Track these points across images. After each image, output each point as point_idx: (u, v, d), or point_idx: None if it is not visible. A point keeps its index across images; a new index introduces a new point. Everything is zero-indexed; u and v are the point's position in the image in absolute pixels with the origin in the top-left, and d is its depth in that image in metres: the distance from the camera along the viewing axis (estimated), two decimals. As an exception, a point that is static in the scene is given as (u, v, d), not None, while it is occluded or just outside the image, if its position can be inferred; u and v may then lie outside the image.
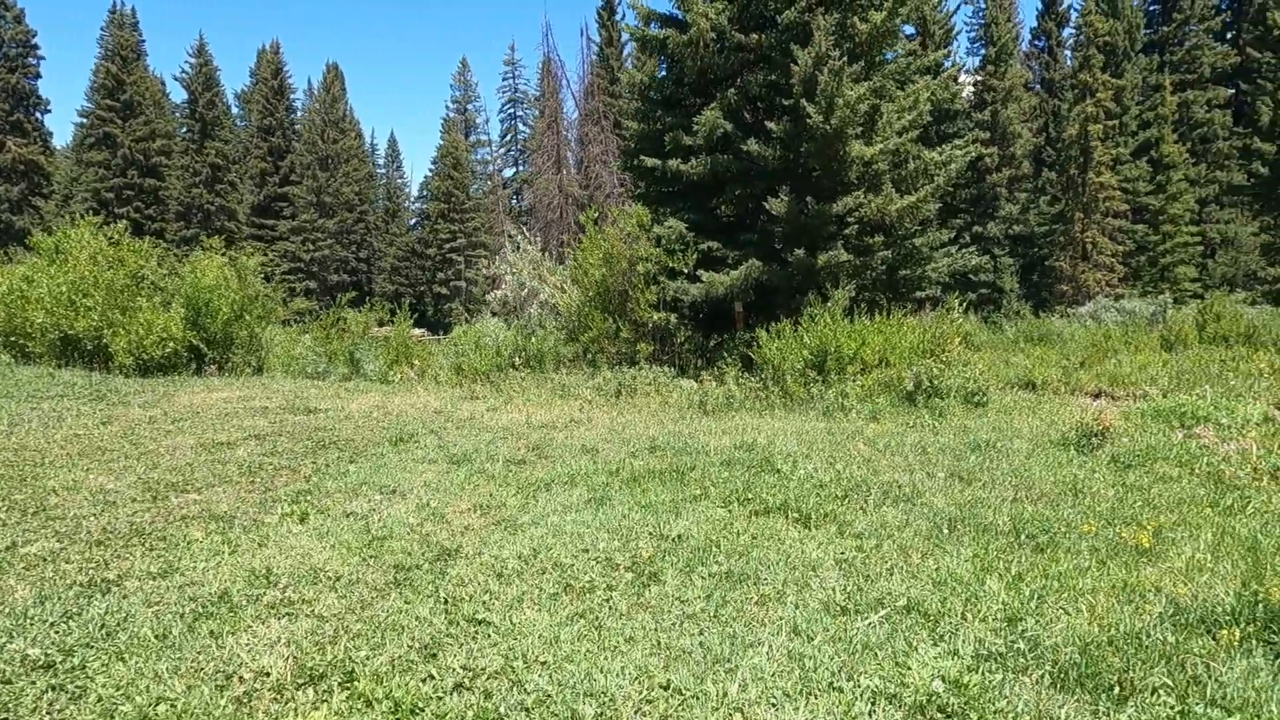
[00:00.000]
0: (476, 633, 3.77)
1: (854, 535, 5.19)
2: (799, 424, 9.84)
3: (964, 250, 15.07)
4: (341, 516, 5.70)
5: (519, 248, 18.23)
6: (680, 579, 4.43)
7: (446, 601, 4.12)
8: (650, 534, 5.15)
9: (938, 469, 7.16)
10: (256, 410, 11.08)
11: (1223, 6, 44.92)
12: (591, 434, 9.17)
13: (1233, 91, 42.54)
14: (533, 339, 16.72)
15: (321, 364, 18.01)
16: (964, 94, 39.34)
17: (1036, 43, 50.77)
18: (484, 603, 4.11)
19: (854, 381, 11.30)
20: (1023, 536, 5.14)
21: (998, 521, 5.42)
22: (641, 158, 15.30)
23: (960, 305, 12.54)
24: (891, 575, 4.50)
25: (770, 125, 13.82)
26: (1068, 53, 46.81)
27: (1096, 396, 18.58)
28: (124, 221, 19.99)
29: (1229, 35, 44.66)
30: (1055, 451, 7.93)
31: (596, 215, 15.73)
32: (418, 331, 32.10)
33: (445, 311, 72.97)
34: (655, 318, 14.32)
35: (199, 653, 3.59)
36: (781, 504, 5.76)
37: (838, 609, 4.04)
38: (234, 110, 73.52)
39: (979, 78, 41.02)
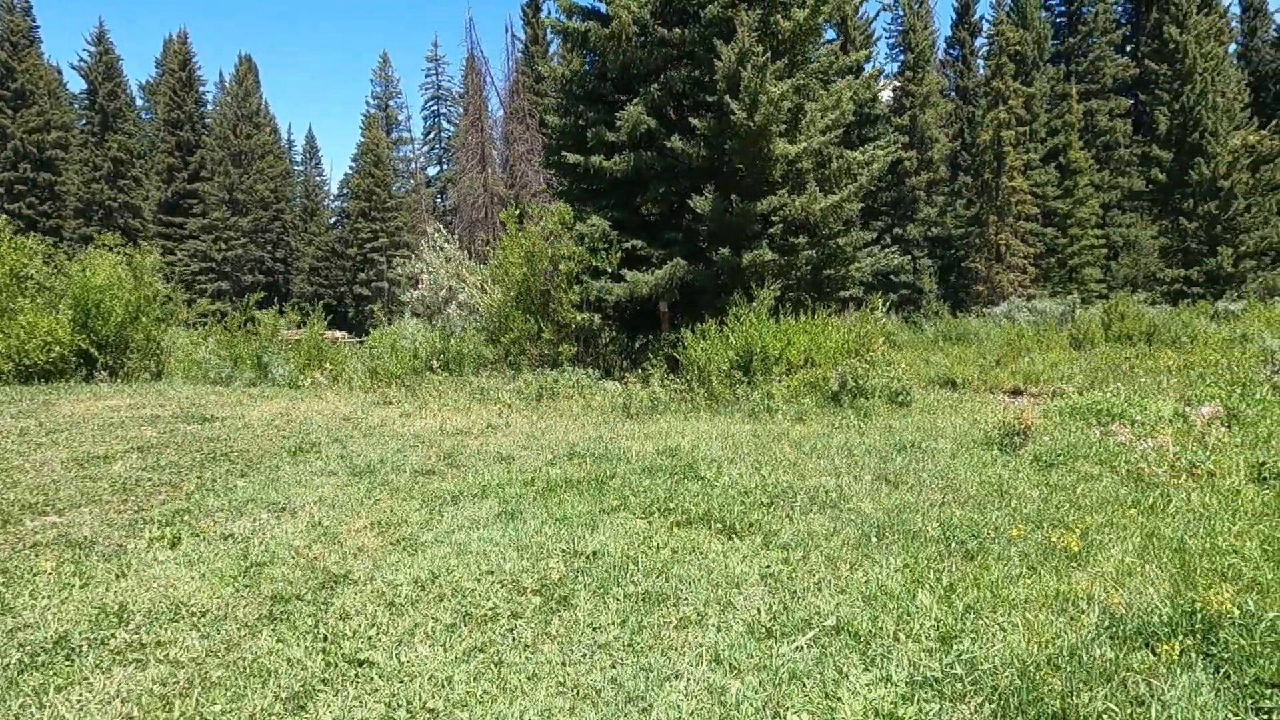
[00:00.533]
0: (357, 676, 3.30)
1: (780, 546, 4.90)
2: (724, 426, 9.58)
3: (886, 250, 15.16)
4: (219, 539, 5.11)
5: (436, 246, 17.53)
6: (593, 602, 4.04)
7: (326, 638, 3.63)
8: (563, 551, 4.74)
9: (864, 472, 6.97)
10: (146, 419, 10.19)
11: (1123, 20, 47.17)
12: (509, 440, 8.70)
13: (1132, 102, 44.70)
14: (452, 341, 16.08)
15: (226, 369, 16.94)
16: (884, 98, 40.18)
17: (951, 51, 52.38)
18: (369, 638, 3.63)
19: (780, 382, 11.14)
20: (952, 544, 4.94)
21: (927, 528, 5.22)
22: (564, 154, 14.86)
23: (884, 305, 12.54)
24: (820, 590, 4.21)
25: (694, 122, 13.59)
26: (980, 61, 48.40)
27: (1014, 394, 19.06)
28: (2, 217, 18.41)
29: (1128, 48, 46.94)
30: (979, 451, 7.87)
31: (518, 213, 15.22)
32: (338, 334, 30.83)
33: (367, 313, 70.76)
34: (578, 318, 13.91)
35: (15, 716, 3.01)
36: (705, 514, 5.44)
37: (763, 631, 3.72)
38: (139, 102, 69.69)
39: (898, 83, 41.99)
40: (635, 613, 3.90)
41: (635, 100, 14.00)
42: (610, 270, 13.92)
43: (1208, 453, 6.89)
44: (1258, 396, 9.88)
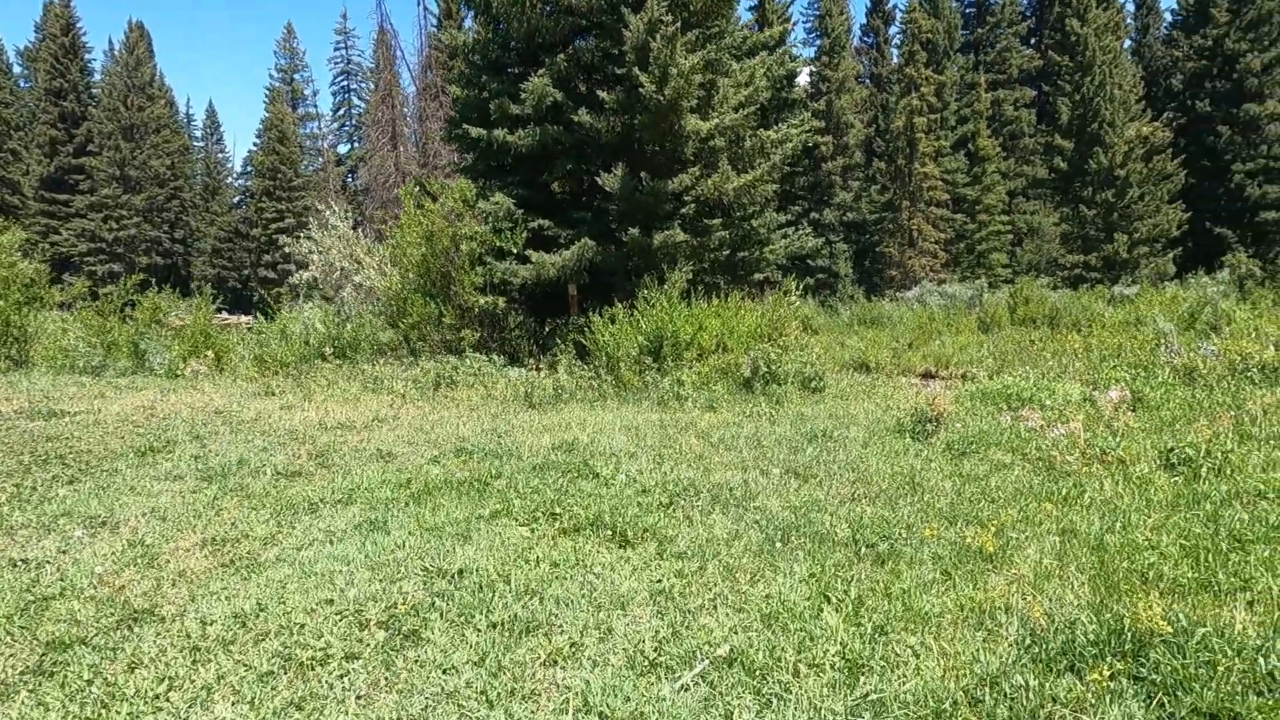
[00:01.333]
0: (125, 754, 2.60)
1: (675, 555, 4.37)
2: (631, 416, 9.04)
3: (801, 232, 14.88)
4: (5, 566, 4.25)
5: (328, 224, 16.36)
6: (450, 634, 3.41)
7: (98, 702, 2.90)
8: (425, 570, 4.09)
9: (773, 465, 6.54)
10: (-23, 416, 9.00)
11: (1028, 14, 48.62)
12: (394, 435, 7.94)
13: (1035, 93, 46.18)
14: (348, 326, 15.04)
15: (97, 357, 15.46)
16: (800, 83, 40.27)
17: (866, 39, 53.08)
18: (156, 698, 2.92)
19: (691, 369, 10.67)
20: (862, 547, 4.52)
21: (836, 529, 4.78)
22: (466, 127, 13.97)
23: (798, 288, 12.23)
24: (715, 609, 3.70)
25: (603, 95, 12.92)
26: (894, 50, 49.18)
27: (926, 377, 19.20)
28: None
29: (1033, 40, 48.43)
30: (891, 440, 7.55)
31: (417, 189, 14.27)
32: (242, 318, 28.88)
33: (275, 297, 67.45)
34: (482, 302, 13.12)
35: None
36: (595, 518, 4.86)
37: (645, 664, 3.17)
38: (16, 69, 64.22)
39: (814, 68, 42.18)
40: (498, 647, 3.29)
41: (541, 71, 13.23)
42: (516, 251, 13.17)
43: (1117, 439, 6.73)
44: (1159, 379, 9.94)
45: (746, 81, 13.51)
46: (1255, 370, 9.32)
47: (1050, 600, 3.82)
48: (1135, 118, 36.42)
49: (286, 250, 16.99)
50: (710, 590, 3.92)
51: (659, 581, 3.98)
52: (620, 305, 11.81)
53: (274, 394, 11.29)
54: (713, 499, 5.47)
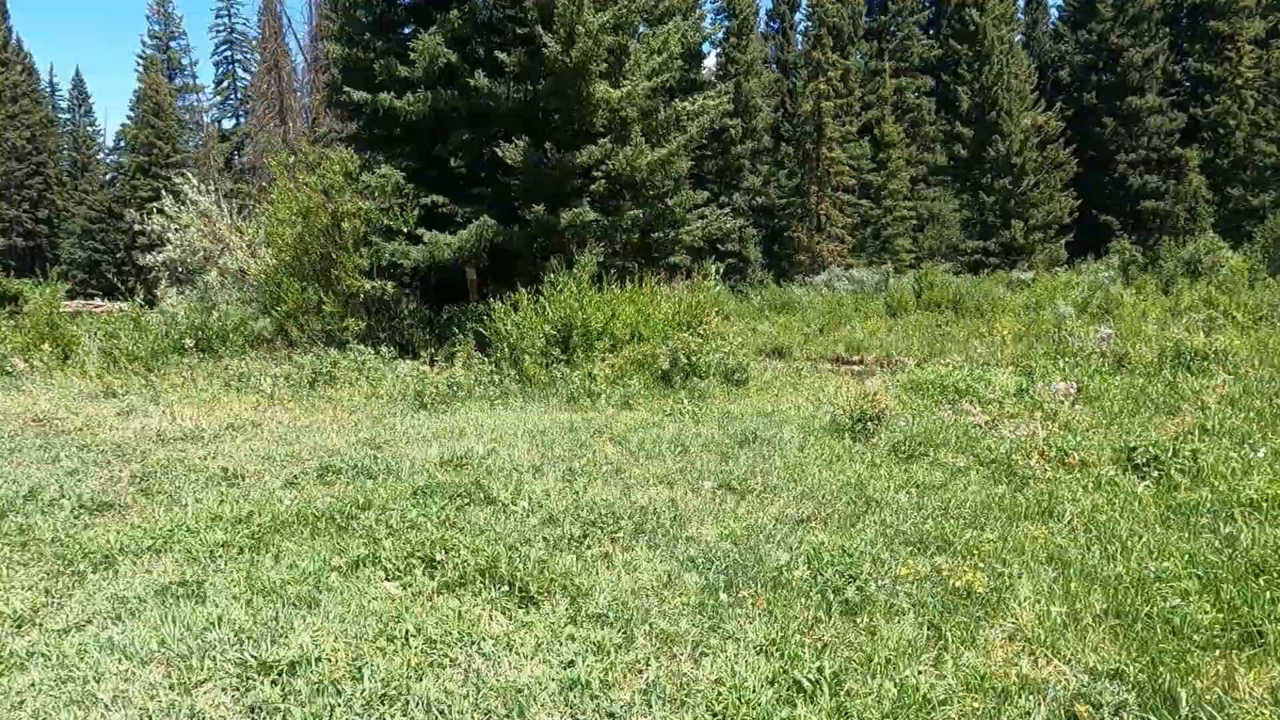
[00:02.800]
0: None
1: (593, 618, 3.34)
2: (536, 417, 7.94)
3: (719, 213, 14.03)
4: None
5: (187, 199, 14.40)
6: (261, 784, 2.28)
7: None
8: (242, 664, 2.91)
9: (703, 477, 5.59)
10: None
11: (927, 3, 49.45)
12: (249, 447, 6.59)
13: (934, 82, 47.04)
14: (214, 315, 13.27)
15: (-97, 351, 13.15)
16: (707, 64, 39.61)
17: (772, 24, 52.97)
18: None
19: (603, 361, 9.64)
20: (827, 592, 3.61)
21: (790, 570, 3.85)
22: (347, 90, 12.43)
23: (717, 272, 11.38)
24: (649, 707, 2.70)
25: (502, 57, 11.65)
26: (799, 36, 49.24)
27: (839, 362, 18.83)
28: None
29: (932, 30, 49.32)
30: (830, 441, 6.75)
31: (291, 158, 12.68)
32: (113, 306, 25.94)
33: (153, 282, 62.33)
34: (367, 287, 11.70)
35: None
36: (489, 564, 3.77)
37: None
38: None
39: (722, 49, 41.61)
40: (332, 803, 2.18)
41: (432, 29, 11.82)
42: (406, 231, 11.79)
43: (1076, 438, 6.09)
44: (1089, 367, 9.55)
45: (659, 48, 12.50)
46: (1187, 357, 9.01)
47: (1073, 666, 2.99)
48: (1030, 107, 37.46)
49: (136, 228, 14.90)
50: (641, 676, 2.91)
51: (571, 665, 2.94)
52: (525, 291, 10.66)
53: (115, 394, 9.61)
54: (636, 528, 4.47)
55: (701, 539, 4.36)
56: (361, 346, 11.16)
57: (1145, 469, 5.60)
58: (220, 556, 4.00)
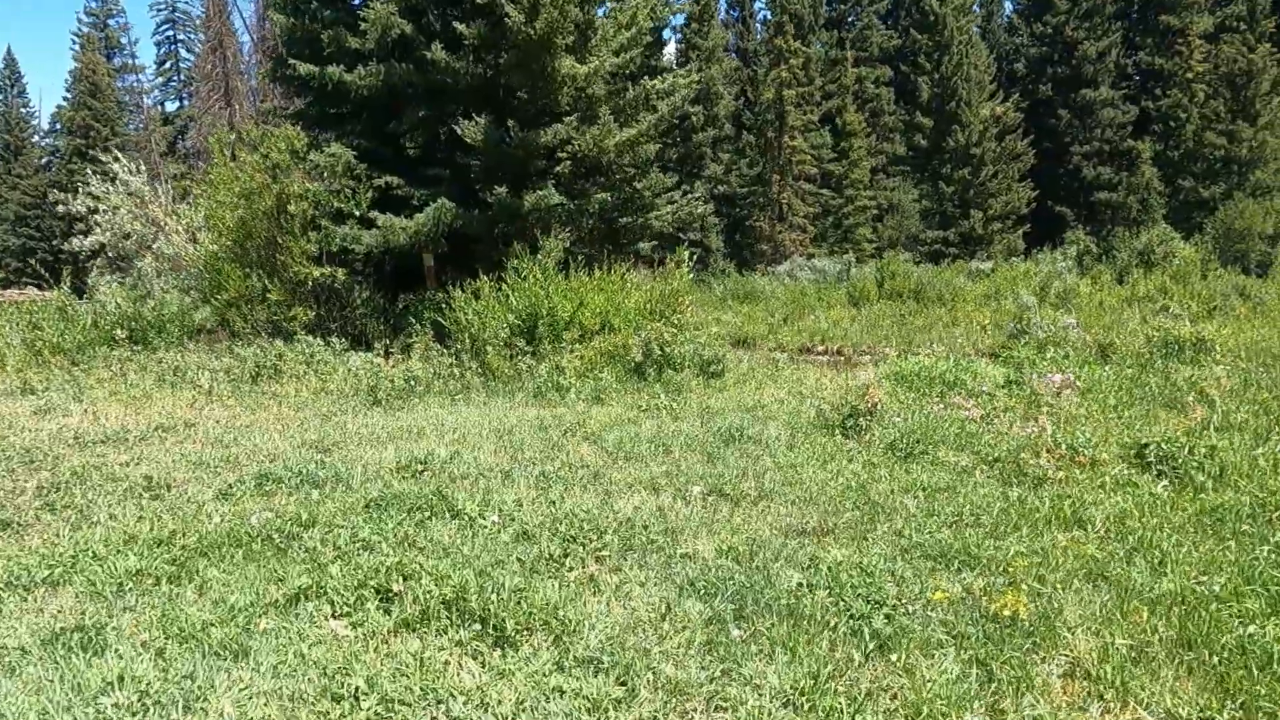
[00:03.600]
0: None
1: (583, 663, 2.79)
2: (502, 414, 7.34)
3: (690, 197, 13.42)
4: None
5: (113, 177, 13.33)
6: None
7: None
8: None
9: (690, 481, 5.07)
10: None
11: (886, -7, 49.40)
12: (179, 451, 5.88)
13: (893, 72, 47.08)
14: (150, 304, 12.34)
15: None
16: (668, 52, 39.00)
17: (732, 12, 52.52)
18: None
19: (572, 352, 9.06)
20: (854, 621, 3.12)
21: (808, 596, 3.35)
22: (293, 63, 11.57)
23: (691, 258, 10.83)
24: (663, 787, 2.17)
25: (461, 28, 10.92)
26: (759, 25, 48.90)
27: (802, 351, 18.51)
28: None
29: (890, 20, 49.35)
30: (820, 439, 6.29)
31: (233, 136, 11.80)
32: (48, 295, 24.40)
33: (86, 269, 59.53)
34: (316, 274, 10.92)
35: None
36: (455, 594, 3.19)
37: None
38: None
39: (683, 34, 41.07)
40: None
41: (385, -3, 11.03)
42: (359, 214, 11.02)
43: (1086, 434, 5.71)
44: (1078, 358, 9.27)
45: (628, 22, 11.87)
46: (1174, 346, 8.76)
47: (1153, 712, 2.55)
48: (989, 98, 37.63)
49: (61, 210, 13.75)
50: (648, 742, 2.38)
51: (563, 729, 2.40)
52: (486, 278, 10.00)
53: (33, 391, 8.75)
54: (623, 544, 3.93)
55: (698, 556, 3.84)
56: (310, 338, 10.40)
57: (1159, 467, 5.24)
58: (131, 590, 3.35)
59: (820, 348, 19.93)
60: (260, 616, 3.09)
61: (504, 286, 9.98)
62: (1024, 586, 3.42)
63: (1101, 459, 5.40)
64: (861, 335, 20.73)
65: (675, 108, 12.63)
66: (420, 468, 5.11)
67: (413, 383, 8.45)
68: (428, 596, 3.17)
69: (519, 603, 3.15)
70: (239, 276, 11.09)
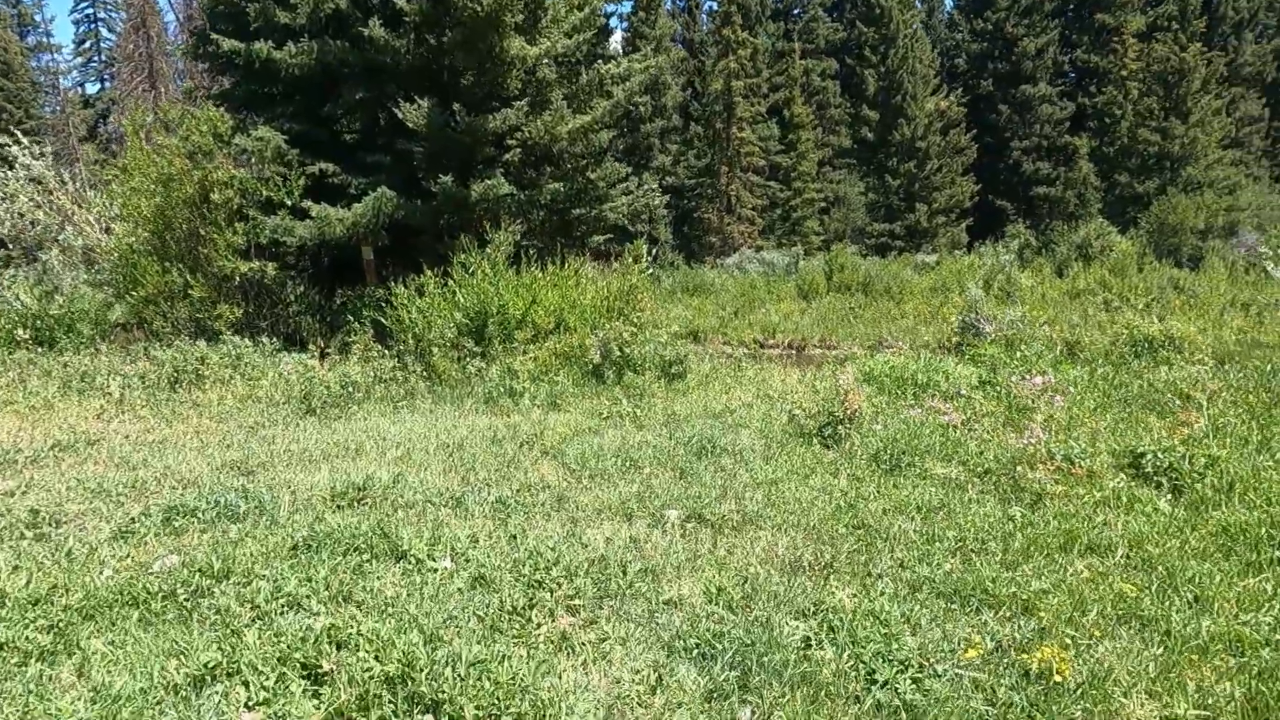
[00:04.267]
0: None
1: (564, 764, 2.25)
2: (450, 423, 6.71)
3: (645, 188, 12.84)
4: None
5: (12, 161, 12.12)
6: None
7: None
8: None
9: (666, 503, 4.57)
10: None
11: (831, -15, 49.52)
12: (76, 476, 5.12)
13: (839, 65, 47.25)
14: (58, 300, 11.29)
15: None
16: (613, 43, 38.32)
17: (678, 3, 52.04)
18: None
19: (525, 354, 8.46)
20: (877, 688, 2.65)
21: (818, 653, 2.87)
22: (216, 38, 10.63)
23: (651, 252, 10.26)
24: None
25: (400, 4, 10.15)
26: (704, 16, 48.54)
27: (754, 345, 18.22)
28: None
29: (836, 13, 49.50)
30: (799, 449, 5.85)
31: (150, 119, 10.83)
32: None
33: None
34: (244, 268, 10.06)
35: None
36: (401, 671, 2.62)
37: None
38: None
39: (630, 23, 40.40)
40: None
41: (317, -31, 10.19)
42: (291, 204, 10.19)
43: (1079, 443, 5.38)
44: (1048, 356, 9.05)
45: (580, 3, 11.23)
46: (1144, 344, 8.60)
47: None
48: (934, 92, 37.97)
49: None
50: None
51: None
52: (431, 273, 9.31)
53: (-86, 402, 7.77)
54: (598, 589, 3.40)
55: (685, 601, 3.34)
56: (237, 338, 9.56)
57: (1158, 478, 4.95)
58: (-12, 673, 2.68)
59: (772, 341, 19.72)
60: (154, 709, 2.47)
61: (450, 282, 9.30)
62: (1058, 635, 3.01)
63: (1097, 470, 5.08)
64: (813, 328, 20.62)
65: (631, 93, 12.06)
66: (358, 495, 4.48)
67: (351, 388, 7.74)
68: (366, 674, 2.59)
69: (479, 679, 2.59)
70: (157, 271, 10.15)
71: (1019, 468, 5.02)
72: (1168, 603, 3.30)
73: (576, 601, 3.27)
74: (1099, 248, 29.14)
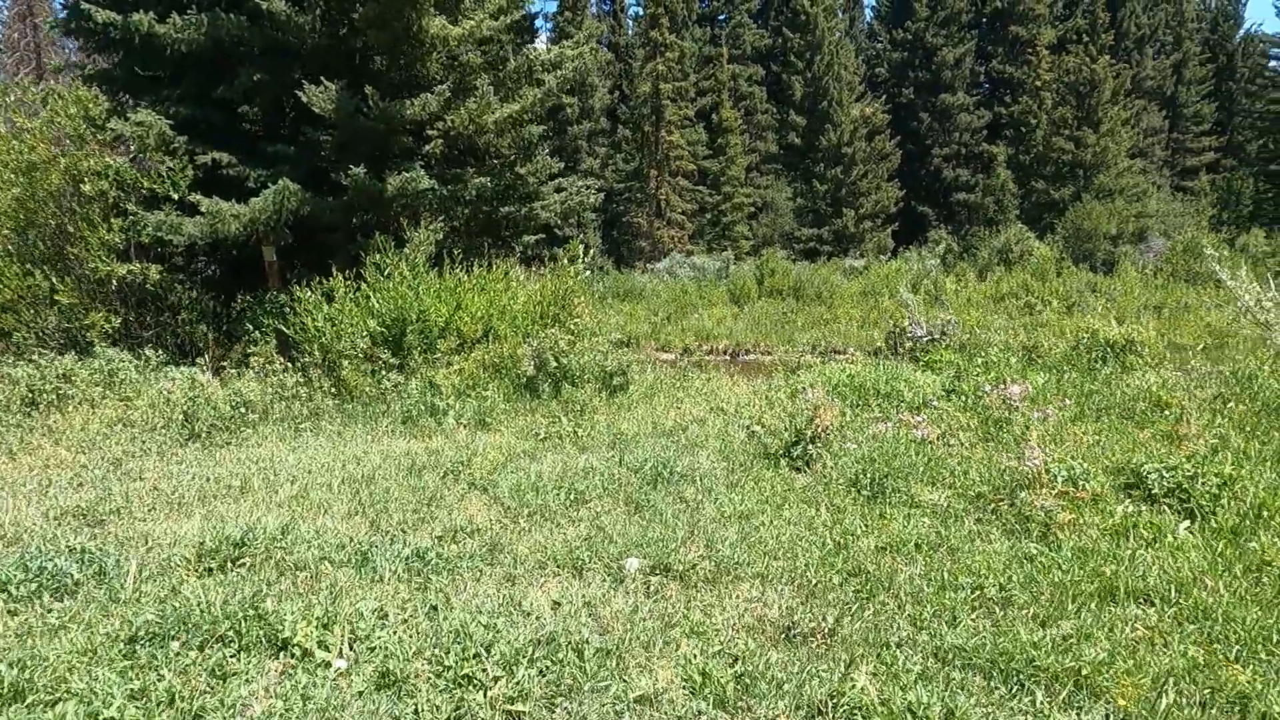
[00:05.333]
0: None
1: None
2: (361, 449, 5.75)
3: (580, 185, 11.93)
4: None
5: None
6: None
7: None
8: None
9: (623, 549, 3.78)
10: None
11: (758, -9, 49.71)
12: None
13: (764, 71, 47.44)
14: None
15: None
16: (538, 45, 37.38)
17: (604, 5, 51.45)
18: None
19: (449, 366, 7.52)
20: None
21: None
22: (88, 7, 9.31)
23: (588, 254, 9.40)
24: None
25: (304, -26, 9.09)
26: (630, 20, 48.15)
27: (686, 353, 17.60)
28: None
29: (761, 19, 49.74)
30: (764, 472, 5.15)
31: (11, 98, 9.43)
32: None
33: None
34: (122, 271, 8.79)
35: None
36: None
37: None
38: None
39: (555, 23, 39.57)
40: None
41: (207, -66, 9.02)
42: (177, 197, 8.98)
43: (1080, 462, 4.82)
44: (1005, 361, 8.61)
45: (506, -19, 10.35)
46: (1100, 349, 8.25)
47: None
48: (859, 98, 38.34)
49: None
50: None
51: None
52: (343, 276, 8.27)
53: None
54: (548, 684, 2.59)
55: (662, 698, 2.55)
56: (115, 351, 8.31)
57: (1167, 500, 4.43)
58: None
59: (707, 347, 19.25)
60: None
61: (364, 286, 8.27)
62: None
63: (1101, 492, 4.53)
64: (747, 334, 20.26)
65: (564, 81, 11.20)
66: (234, 553, 3.52)
67: (244, 407, 6.67)
68: None
69: None
70: (17, 273, 8.79)
71: (1021, 494, 4.41)
72: (1249, 670, 2.69)
73: (519, 707, 2.45)
74: (1019, 252, 29.74)
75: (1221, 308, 14.67)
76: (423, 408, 6.77)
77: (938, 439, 5.84)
